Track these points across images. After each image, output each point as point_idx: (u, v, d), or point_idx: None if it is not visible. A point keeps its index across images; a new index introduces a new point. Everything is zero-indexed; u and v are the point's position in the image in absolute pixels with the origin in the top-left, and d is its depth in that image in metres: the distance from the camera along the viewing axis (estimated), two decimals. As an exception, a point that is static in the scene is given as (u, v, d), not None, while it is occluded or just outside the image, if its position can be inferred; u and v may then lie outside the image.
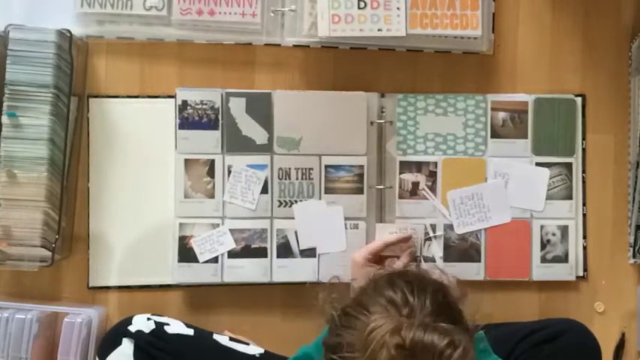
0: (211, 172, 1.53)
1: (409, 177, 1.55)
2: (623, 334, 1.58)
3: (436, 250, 1.54)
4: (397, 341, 0.98)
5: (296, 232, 1.53)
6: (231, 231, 1.52)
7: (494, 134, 1.56)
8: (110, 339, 1.42)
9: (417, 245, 1.52)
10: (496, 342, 1.39)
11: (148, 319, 1.43)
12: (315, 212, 1.53)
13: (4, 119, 1.45)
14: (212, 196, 1.52)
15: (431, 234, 1.54)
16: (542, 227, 1.55)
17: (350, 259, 1.47)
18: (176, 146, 1.53)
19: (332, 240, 1.53)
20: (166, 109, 1.54)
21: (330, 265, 1.52)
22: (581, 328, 1.44)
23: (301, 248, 1.53)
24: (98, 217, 1.55)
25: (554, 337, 1.40)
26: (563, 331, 1.41)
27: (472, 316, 1.14)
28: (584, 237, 1.57)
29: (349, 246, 1.52)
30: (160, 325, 1.42)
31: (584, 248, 1.57)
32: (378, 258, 1.47)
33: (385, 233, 1.52)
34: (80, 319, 1.48)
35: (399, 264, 1.46)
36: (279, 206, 1.53)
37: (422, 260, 1.52)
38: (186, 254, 1.52)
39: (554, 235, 1.56)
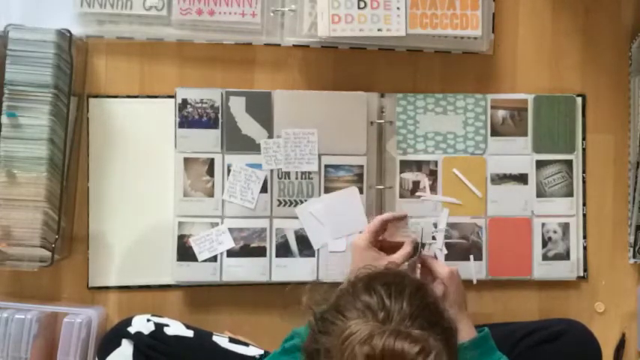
0: (211, 171, 1.52)
1: (410, 176, 1.55)
2: (623, 334, 1.58)
3: (437, 251, 1.54)
4: (367, 351, 0.96)
5: (295, 232, 1.52)
6: (231, 230, 1.52)
7: (494, 132, 1.56)
8: (109, 340, 1.42)
9: (419, 233, 1.49)
10: (496, 342, 1.39)
11: (148, 320, 1.43)
12: (327, 203, 1.53)
13: (4, 119, 1.45)
14: (211, 195, 1.52)
15: (432, 229, 1.53)
16: (543, 225, 1.55)
17: (350, 245, 1.43)
18: (176, 145, 1.52)
19: (353, 222, 1.52)
20: (166, 109, 1.54)
21: (329, 263, 1.52)
22: (582, 328, 1.44)
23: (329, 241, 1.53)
24: (98, 217, 1.55)
25: (554, 338, 1.40)
26: (564, 332, 1.41)
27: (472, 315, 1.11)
28: (585, 237, 1.57)
29: (349, 246, 1.51)
30: (159, 327, 1.42)
31: (585, 248, 1.57)
32: (380, 246, 1.42)
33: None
34: (80, 320, 1.48)
35: (400, 253, 1.40)
36: (278, 205, 1.53)
37: (427, 248, 1.49)
38: (186, 253, 1.51)
39: (555, 232, 1.55)
